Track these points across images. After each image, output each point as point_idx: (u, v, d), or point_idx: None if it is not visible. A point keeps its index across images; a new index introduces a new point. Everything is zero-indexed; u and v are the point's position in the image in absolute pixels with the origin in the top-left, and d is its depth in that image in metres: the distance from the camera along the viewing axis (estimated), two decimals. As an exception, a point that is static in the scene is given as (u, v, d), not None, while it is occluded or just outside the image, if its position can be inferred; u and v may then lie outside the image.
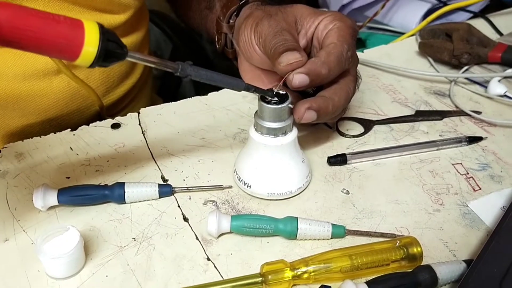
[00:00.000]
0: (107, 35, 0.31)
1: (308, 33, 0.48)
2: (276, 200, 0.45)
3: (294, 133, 0.43)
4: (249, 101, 0.57)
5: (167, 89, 1.00)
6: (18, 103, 0.52)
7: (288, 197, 0.45)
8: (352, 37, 0.46)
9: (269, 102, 0.41)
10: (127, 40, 0.57)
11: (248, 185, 0.44)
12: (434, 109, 0.57)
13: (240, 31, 0.50)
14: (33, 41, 0.29)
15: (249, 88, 0.40)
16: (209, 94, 0.58)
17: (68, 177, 0.46)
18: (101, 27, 0.31)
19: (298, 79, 0.42)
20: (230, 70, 0.59)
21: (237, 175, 0.45)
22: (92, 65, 0.31)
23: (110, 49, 0.31)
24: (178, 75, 0.36)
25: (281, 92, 0.42)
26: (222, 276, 0.38)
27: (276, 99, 0.41)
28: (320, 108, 0.43)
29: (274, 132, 0.42)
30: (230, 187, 0.46)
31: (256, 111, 0.43)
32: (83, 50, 0.30)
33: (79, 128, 0.52)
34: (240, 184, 0.45)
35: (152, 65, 0.35)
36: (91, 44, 0.30)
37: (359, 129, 0.54)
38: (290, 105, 0.42)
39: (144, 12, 0.62)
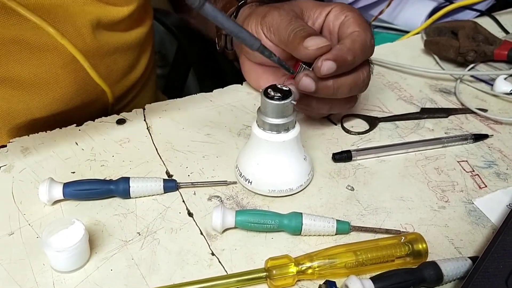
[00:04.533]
0: None
1: (315, 24, 0.48)
2: (279, 196, 0.45)
3: (296, 130, 0.43)
4: (254, 97, 0.57)
5: (172, 88, 1.00)
6: (23, 96, 0.53)
7: (289, 194, 0.45)
8: (370, 26, 0.46)
9: (272, 98, 0.41)
10: (131, 35, 0.57)
11: (249, 181, 0.44)
12: (440, 107, 0.57)
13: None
14: None
15: (264, 50, 0.39)
16: (214, 90, 0.58)
17: (73, 172, 0.46)
18: None
19: (327, 65, 0.42)
20: (236, 69, 0.60)
21: (238, 170, 0.45)
22: None
23: None
24: (188, 2, 0.33)
25: (284, 88, 0.42)
26: (226, 271, 0.38)
27: (279, 94, 0.41)
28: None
29: (277, 129, 0.42)
30: (235, 182, 0.46)
31: (259, 107, 0.43)
32: None
33: (85, 123, 0.52)
34: (241, 180, 0.45)
35: None
36: None
37: (364, 126, 0.54)
38: (293, 102, 0.41)
39: (148, 7, 0.62)
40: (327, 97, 0.46)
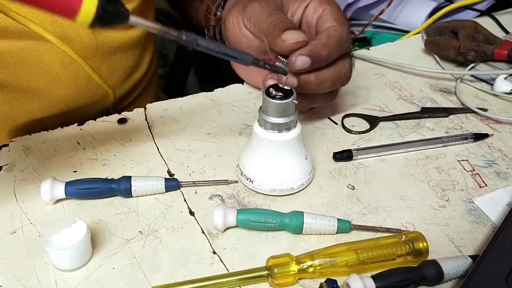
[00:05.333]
0: None
1: (294, 17, 0.49)
2: (280, 195, 0.45)
3: (298, 129, 0.43)
4: (255, 97, 0.57)
5: (173, 88, 1.01)
6: (24, 98, 0.53)
7: (290, 194, 0.45)
8: (347, 20, 0.47)
9: (273, 97, 0.41)
10: (132, 33, 0.58)
11: (250, 180, 0.45)
12: (440, 106, 0.57)
13: (227, 20, 0.50)
14: None
15: (258, 62, 0.40)
16: (215, 90, 0.58)
17: (75, 171, 0.47)
18: None
19: (301, 61, 0.42)
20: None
21: (239, 169, 0.46)
22: (92, 25, 0.30)
23: (110, 8, 0.31)
24: (183, 43, 0.35)
25: (286, 87, 0.42)
26: (227, 270, 0.39)
27: (280, 94, 0.41)
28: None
29: (278, 128, 0.42)
30: (236, 181, 0.46)
31: (261, 106, 0.43)
32: (82, 7, 0.30)
33: (86, 122, 0.52)
34: (242, 179, 0.45)
35: (154, 31, 0.35)
36: (89, 2, 0.30)
37: (365, 125, 0.54)
38: (294, 101, 0.42)
39: (150, 5, 0.62)
40: (309, 92, 0.46)
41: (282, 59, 0.45)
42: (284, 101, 0.41)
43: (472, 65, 0.63)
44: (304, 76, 0.44)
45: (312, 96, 0.48)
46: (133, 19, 0.33)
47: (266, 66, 0.41)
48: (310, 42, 0.43)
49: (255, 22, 0.47)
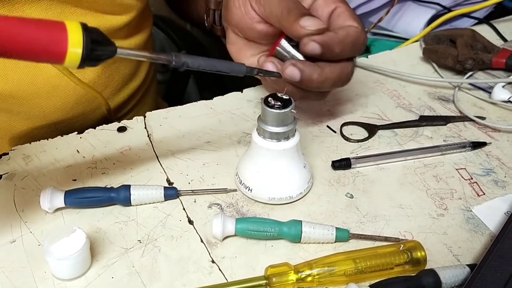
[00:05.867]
0: (91, 34, 0.31)
1: (304, 4, 0.48)
2: (279, 204, 0.45)
3: (296, 138, 0.44)
4: (254, 105, 0.57)
5: (173, 95, 1.01)
6: (23, 106, 0.53)
7: (288, 202, 0.45)
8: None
9: (272, 107, 0.41)
10: (130, 42, 0.58)
11: (249, 189, 0.45)
12: (438, 114, 0.57)
13: (231, 1, 0.49)
14: (14, 48, 0.28)
15: (252, 71, 0.40)
16: (214, 98, 0.58)
17: (75, 180, 0.47)
18: (84, 26, 0.30)
19: (311, 46, 0.42)
20: (235, 76, 0.60)
21: (238, 178, 0.46)
22: (80, 66, 0.31)
23: (96, 47, 0.31)
24: (173, 66, 0.36)
25: (284, 97, 0.42)
26: (226, 279, 0.39)
27: (279, 103, 0.42)
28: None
29: (277, 137, 0.42)
30: (235, 190, 0.46)
31: (260, 115, 0.43)
32: (68, 52, 0.30)
33: (86, 131, 0.52)
34: (241, 188, 0.46)
35: (144, 59, 0.35)
36: (75, 45, 0.30)
37: (363, 133, 0.54)
38: (293, 110, 0.42)
39: (148, 13, 0.62)
40: (310, 89, 0.46)
41: (283, 44, 0.45)
42: (283, 110, 0.41)
43: (470, 73, 0.63)
44: (307, 73, 0.44)
45: (306, 91, 0.47)
46: (121, 51, 0.33)
47: (260, 73, 0.42)
48: (327, 33, 0.43)
49: (266, 5, 0.46)
